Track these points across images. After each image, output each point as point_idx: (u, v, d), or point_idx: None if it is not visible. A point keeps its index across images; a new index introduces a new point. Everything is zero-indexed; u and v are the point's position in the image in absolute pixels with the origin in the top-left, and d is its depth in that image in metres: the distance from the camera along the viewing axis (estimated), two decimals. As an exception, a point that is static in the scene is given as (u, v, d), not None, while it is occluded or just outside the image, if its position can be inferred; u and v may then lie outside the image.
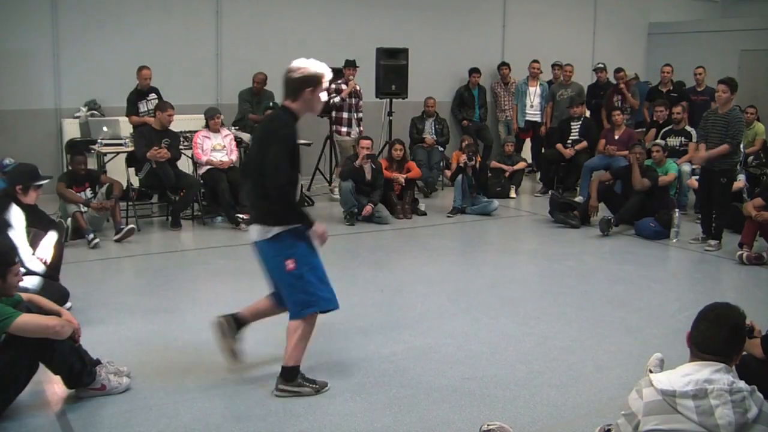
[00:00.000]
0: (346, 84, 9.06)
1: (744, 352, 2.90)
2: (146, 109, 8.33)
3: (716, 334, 2.46)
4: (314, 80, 3.65)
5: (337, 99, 9.01)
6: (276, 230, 3.57)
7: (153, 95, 8.41)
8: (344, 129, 9.22)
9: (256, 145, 3.85)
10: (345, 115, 9.18)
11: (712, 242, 7.03)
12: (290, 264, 3.58)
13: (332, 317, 4.94)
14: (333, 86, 9.04)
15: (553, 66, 10.98)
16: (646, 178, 7.61)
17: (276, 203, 3.54)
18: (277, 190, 3.50)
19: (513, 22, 12.41)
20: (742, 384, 2.39)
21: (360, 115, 9.33)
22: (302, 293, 3.64)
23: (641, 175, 7.60)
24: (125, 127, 8.33)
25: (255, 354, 4.27)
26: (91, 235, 6.73)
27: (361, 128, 9.35)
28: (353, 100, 9.19)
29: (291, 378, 3.72)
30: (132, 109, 8.33)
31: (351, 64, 9.10)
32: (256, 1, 10.12)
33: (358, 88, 9.26)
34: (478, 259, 6.94)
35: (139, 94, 8.38)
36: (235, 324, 3.94)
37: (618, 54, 12.72)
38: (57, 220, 6.14)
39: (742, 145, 8.82)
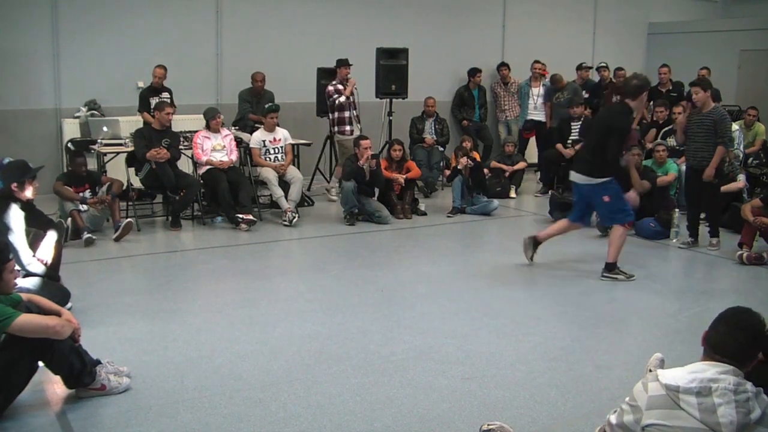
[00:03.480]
0: (343, 83, 8.97)
1: None
2: None
3: (734, 339, 2.44)
4: (647, 87, 5.33)
5: (342, 99, 8.92)
6: (598, 180, 5.49)
7: (166, 94, 8.49)
8: (348, 128, 9.09)
9: (602, 127, 5.56)
10: (347, 114, 9.06)
11: (714, 240, 7.03)
12: (606, 198, 5.51)
13: (332, 317, 4.97)
14: (331, 88, 9.01)
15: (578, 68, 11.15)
16: (645, 180, 7.59)
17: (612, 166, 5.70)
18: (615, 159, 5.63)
19: (513, 22, 12.42)
20: (749, 386, 2.38)
21: (357, 112, 9.23)
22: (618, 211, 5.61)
23: (640, 177, 7.58)
24: (125, 127, 8.33)
25: (257, 357, 4.29)
26: (86, 233, 6.73)
27: (360, 125, 9.25)
28: (352, 97, 9.08)
29: (611, 269, 5.72)
30: (143, 106, 8.41)
31: (344, 63, 8.99)
32: (256, 1, 10.12)
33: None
34: (478, 259, 6.93)
35: (151, 92, 8.45)
36: (533, 242, 6.16)
37: (618, 54, 12.73)
38: (56, 220, 6.13)
39: (742, 146, 8.88)
